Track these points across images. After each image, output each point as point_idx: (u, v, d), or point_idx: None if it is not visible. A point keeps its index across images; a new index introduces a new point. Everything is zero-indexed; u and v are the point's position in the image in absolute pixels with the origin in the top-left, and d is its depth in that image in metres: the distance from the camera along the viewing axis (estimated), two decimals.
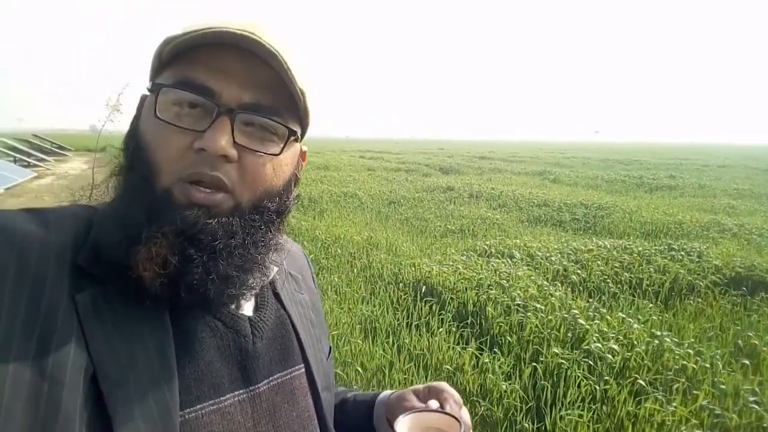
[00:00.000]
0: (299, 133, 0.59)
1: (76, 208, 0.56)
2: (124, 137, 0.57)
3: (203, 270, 0.50)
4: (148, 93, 0.56)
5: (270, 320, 0.62)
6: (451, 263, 5.02)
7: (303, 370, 0.64)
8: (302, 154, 0.64)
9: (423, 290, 4.30)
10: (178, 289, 0.49)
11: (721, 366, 3.07)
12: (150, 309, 0.50)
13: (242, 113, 0.52)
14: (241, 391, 0.55)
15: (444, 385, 0.70)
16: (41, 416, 0.41)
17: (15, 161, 17.69)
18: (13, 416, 0.40)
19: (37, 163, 18.43)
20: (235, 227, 0.52)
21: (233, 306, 0.58)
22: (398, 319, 3.81)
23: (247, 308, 0.61)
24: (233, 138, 0.51)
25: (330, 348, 0.78)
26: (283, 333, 0.64)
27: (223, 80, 0.51)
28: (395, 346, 3.40)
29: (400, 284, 4.56)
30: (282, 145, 0.55)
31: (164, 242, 0.48)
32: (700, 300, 4.53)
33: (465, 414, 0.69)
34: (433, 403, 0.66)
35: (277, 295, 0.67)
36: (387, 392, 0.77)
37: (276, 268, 0.65)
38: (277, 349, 0.62)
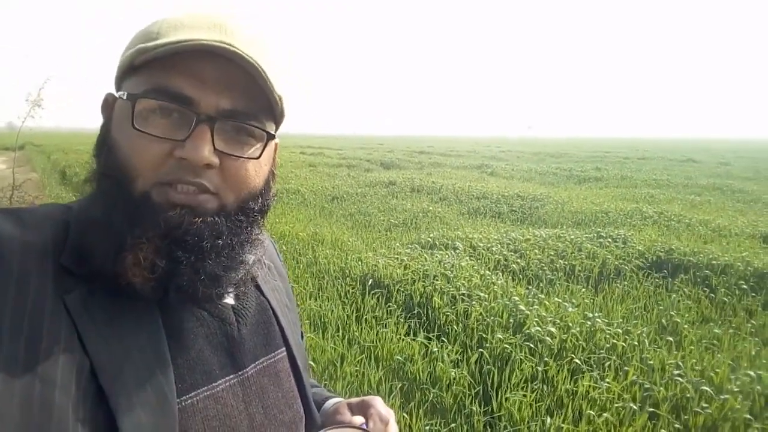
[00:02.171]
0: (275, 130, 0.60)
1: (50, 208, 0.56)
2: (96, 144, 0.56)
3: (192, 270, 0.51)
4: (116, 96, 0.55)
5: (251, 307, 0.64)
6: (396, 256, 5.11)
7: (285, 353, 0.67)
8: (274, 147, 0.65)
9: (370, 283, 4.35)
10: (167, 290, 0.51)
11: (647, 343, 3.33)
12: (139, 304, 0.51)
13: (221, 120, 0.52)
14: (231, 377, 0.58)
15: (375, 401, 0.72)
16: (35, 417, 0.42)
17: None
18: (7, 418, 0.40)
19: None
20: (222, 227, 0.53)
21: None
22: (347, 313, 3.84)
23: (230, 297, 0.63)
24: (213, 146, 0.51)
25: (302, 332, 0.81)
26: (264, 319, 0.66)
27: (199, 87, 0.51)
28: (345, 339, 3.43)
29: (348, 278, 4.58)
30: (261, 149, 0.56)
31: (150, 246, 0.49)
32: (626, 283, 4.86)
33: (392, 430, 0.71)
34: (358, 419, 0.69)
35: (255, 283, 0.69)
36: (333, 400, 0.79)
37: (253, 258, 0.67)
38: (260, 334, 0.64)
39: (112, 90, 0.58)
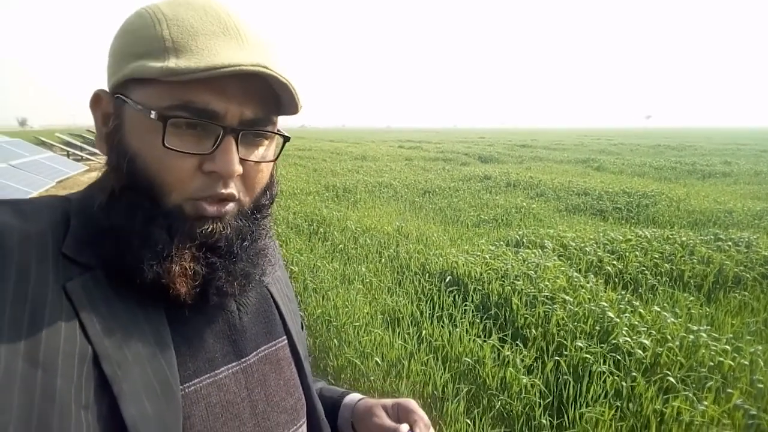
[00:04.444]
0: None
1: (49, 198, 0.56)
2: (112, 153, 0.54)
3: (226, 273, 0.55)
4: (122, 98, 0.52)
5: (253, 296, 0.66)
6: (478, 253, 4.93)
7: (286, 341, 0.68)
8: None
9: (448, 280, 4.24)
10: (207, 293, 0.54)
11: (762, 363, 2.88)
12: (141, 291, 0.52)
13: (245, 131, 0.54)
14: (233, 364, 0.59)
15: (413, 404, 0.72)
16: (37, 404, 0.42)
17: (68, 155, 18.62)
18: (7, 406, 0.40)
19: (89, 157, 19.33)
20: (244, 229, 0.57)
21: None
22: (421, 310, 3.77)
23: None
24: (239, 155, 0.53)
25: (303, 322, 0.81)
26: (265, 307, 0.67)
27: (225, 101, 0.51)
28: (416, 337, 3.37)
29: (427, 275, 4.51)
30: (278, 150, 0.60)
31: (189, 255, 0.52)
32: (746, 293, 4.26)
33: None
34: (404, 427, 0.67)
35: None
36: (355, 396, 0.79)
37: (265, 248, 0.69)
38: (262, 322, 0.66)
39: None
